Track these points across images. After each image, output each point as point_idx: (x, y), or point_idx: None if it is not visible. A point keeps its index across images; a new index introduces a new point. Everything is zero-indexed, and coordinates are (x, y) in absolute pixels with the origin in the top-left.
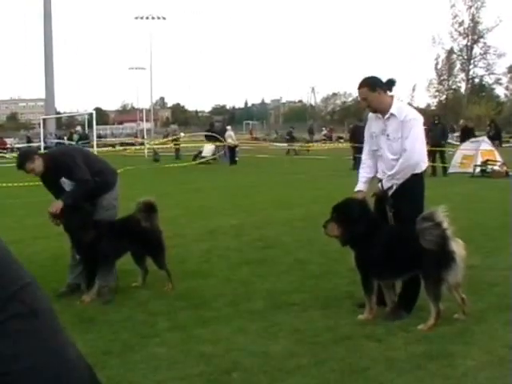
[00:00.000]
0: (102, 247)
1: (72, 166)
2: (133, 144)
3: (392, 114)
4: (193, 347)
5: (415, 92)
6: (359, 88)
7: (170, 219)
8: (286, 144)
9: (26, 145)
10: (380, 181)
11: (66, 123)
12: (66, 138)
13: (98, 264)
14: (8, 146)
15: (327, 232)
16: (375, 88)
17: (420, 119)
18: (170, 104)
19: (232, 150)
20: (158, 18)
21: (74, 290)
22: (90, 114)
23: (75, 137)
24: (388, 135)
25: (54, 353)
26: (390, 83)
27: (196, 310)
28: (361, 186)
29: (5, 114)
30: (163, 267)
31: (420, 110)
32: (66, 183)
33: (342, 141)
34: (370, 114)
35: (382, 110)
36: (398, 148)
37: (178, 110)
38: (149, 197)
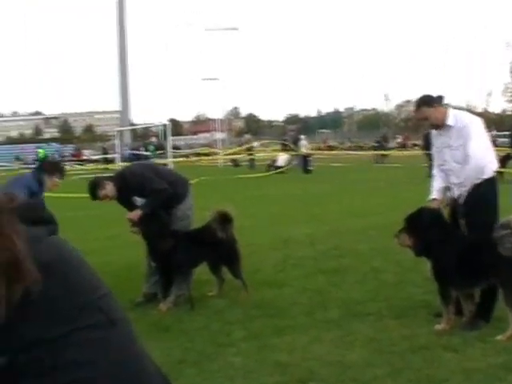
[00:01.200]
0: (178, 256)
1: (144, 183)
2: (207, 154)
3: (449, 125)
4: (268, 356)
5: (491, 97)
6: (417, 108)
7: (244, 228)
8: (372, 152)
9: (101, 156)
10: (450, 190)
11: (141, 134)
12: (142, 149)
13: (173, 273)
14: (84, 157)
15: (399, 242)
16: (432, 104)
17: (476, 121)
18: (243, 114)
19: (305, 159)
20: (230, 29)
21: (151, 299)
22: (165, 125)
23: (151, 148)
24: (450, 146)
25: (130, 362)
26: (440, 98)
27: (271, 319)
28: (435, 194)
29: (81, 127)
30: (239, 276)
31: (495, 116)
32: (139, 201)
33: (416, 148)
34: (433, 132)
35: (441, 123)
36: (461, 156)
37: (251, 119)
38: (224, 206)
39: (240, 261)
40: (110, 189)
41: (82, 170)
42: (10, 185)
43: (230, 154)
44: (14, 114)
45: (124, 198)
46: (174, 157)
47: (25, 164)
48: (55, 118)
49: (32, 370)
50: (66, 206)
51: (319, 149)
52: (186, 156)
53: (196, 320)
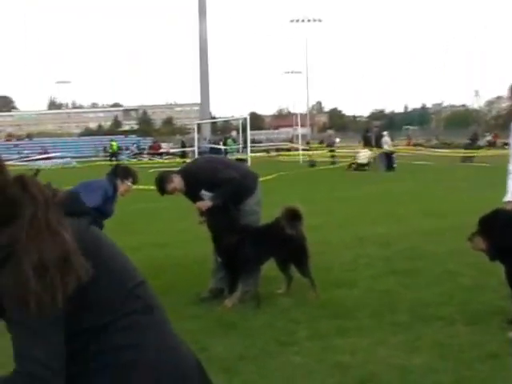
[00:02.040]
0: (245, 252)
1: (212, 174)
2: (288, 149)
3: None
4: (330, 357)
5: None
6: None
7: (317, 226)
8: (462, 150)
9: (180, 149)
10: None
11: (221, 128)
12: (221, 143)
13: (240, 269)
14: (162, 150)
15: (473, 246)
16: None
17: None
18: (326, 109)
19: (388, 156)
20: (314, 20)
21: (217, 294)
22: (245, 119)
23: (229, 141)
24: None
25: (168, 346)
26: None
27: (337, 320)
28: (510, 196)
29: (161, 119)
30: (307, 275)
31: None
32: (206, 196)
33: (506, 147)
34: None
35: None
36: None
37: (335, 114)
38: (294, 203)
39: (308, 259)
40: (178, 182)
41: (159, 162)
42: (87, 188)
43: (308, 150)
44: (94, 105)
45: (192, 191)
46: (253, 151)
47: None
48: (134, 109)
49: (79, 355)
50: (139, 197)
51: (407, 145)
52: (266, 151)
53: (260, 317)
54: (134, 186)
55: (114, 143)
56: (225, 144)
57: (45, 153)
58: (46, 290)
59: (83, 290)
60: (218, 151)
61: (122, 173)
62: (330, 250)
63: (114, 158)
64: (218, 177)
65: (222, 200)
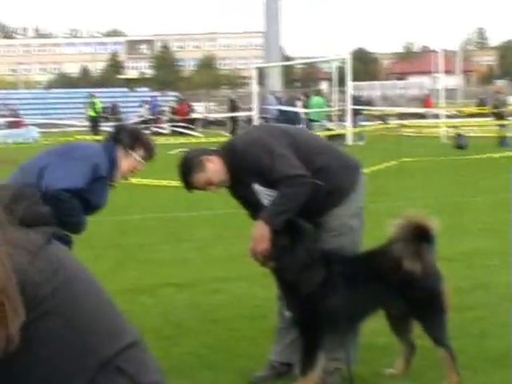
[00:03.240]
0: (333, 301)
1: (267, 162)
2: (421, 116)
3: None
4: None
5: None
6: None
7: (467, 254)
8: None
9: (226, 115)
10: None
11: (301, 77)
12: (299, 103)
13: (322, 329)
14: (195, 115)
15: None
16: None
17: None
18: (494, 41)
19: None
20: None
21: (281, 373)
22: (343, 61)
23: (315, 101)
24: None
25: None
26: None
27: None
28: None
29: (193, 59)
30: (441, 343)
31: None
32: (262, 193)
33: None
34: None
35: None
36: None
37: (509, 51)
38: (420, 214)
39: (444, 315)
40: (214, 169)
41: (187, 139)
42: (65, 156)
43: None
44: (73, 33)
45: (238, 186)
46: (358, 119)
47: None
48: (146, 41)
49: None
50: (154, 197)
51: None
52: (382, 119)
53: None
54: (149, 181)
55: (95, 101)
56: (306, 106)
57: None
58: None
59: (10, 361)
60: (295, 118)
61: (127, 138)
62: (492, 305)
63: (95, 128)
64: (275, 170)
65: (280, 218)
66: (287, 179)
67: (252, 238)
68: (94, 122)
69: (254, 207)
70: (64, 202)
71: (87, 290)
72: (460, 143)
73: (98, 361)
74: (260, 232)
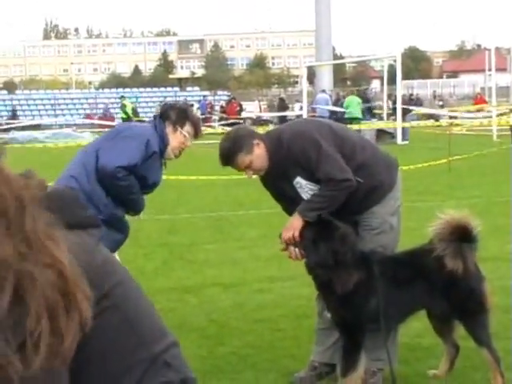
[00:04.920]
0: (373, 302)
1: (312, 156)
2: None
3: None
4: None
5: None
6: None
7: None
8: None
9: (275, 114)
10: None
11: (353, 76)
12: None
13: (363, 330)
14: (245, 113)
15: None
16: None
17: None
18: None
19: None
20: None
21: (321, 374)
22: (394, 59)
23: (351, 100)
24: None
25: None
26: None
27: None
28: None
29: (245, 59)
30: (484, 343)
31: None
32: (305, 187)
33: None
34: None
35: None
36: None
37: None
38: (464, 213)
39: (486, 314)
40: (258, 153)
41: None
42: (116, 136)
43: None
44: (125, 34)
45: (276, 179)
46: (408, 117)
47: None
48: (198, 41)
49: None
50: (202, 196)
51: None
52: (434, 118)
53: None
54: (194, 143)
55: (127, 103)
56: (342, 106)
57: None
58: (34, 342)
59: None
60: (343, 119)
61: (176, 115)
62: None
63: None
64: (320, 167)
65: (318, 212)
66: (331, 182)
67: (285, 228)
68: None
69: (288, 200)
70: (122, 180)
71: (136, 292)
72: None
73: (150, 355)
74: (292, 222)
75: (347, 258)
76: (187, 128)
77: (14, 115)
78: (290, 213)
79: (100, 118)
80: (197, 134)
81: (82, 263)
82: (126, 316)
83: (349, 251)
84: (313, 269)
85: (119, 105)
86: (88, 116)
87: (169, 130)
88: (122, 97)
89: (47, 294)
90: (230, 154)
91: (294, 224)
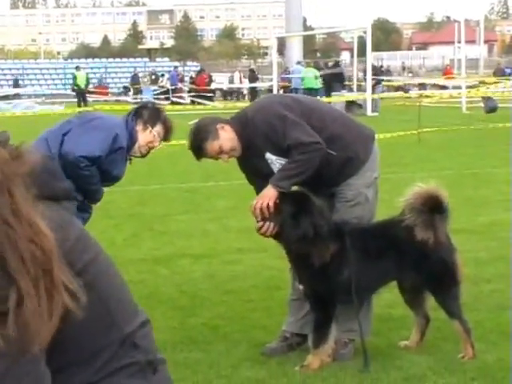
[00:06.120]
0: (346, 273)
1: (279, 128)
2: (443, 87)
3: None
4: None
5: None
6: None
7: (485, 226)
8: None
9: (246, 85)
10: None
11: (322, 47)
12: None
13: (335, 302)
14: (214, 85)
15: None
16: None
17: None
18: None
19: None
20: None
21: (292, 344)
22: (364, 32)
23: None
24: None
25: None
26: None
27: None
28: None
29: (214, 30)
30: (455, 315)
31: None
32: (275, 162)
33: None
34: None
35: None
36: None
37: None
38: (434, 184)
39: (457, 287)
40: (225, 136)
41: (206, 109)
42: (85, 124)
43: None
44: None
45: (248, 159)
46: (377, 89)
47: None
48: (167, 11)
49: None
50: (173, 167)
51: None
52: (403, 89)
53: None
54: (164, 144)
55: (78, 74)
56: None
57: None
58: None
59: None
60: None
61: (148, 114)
62: (510, 277)
63: (82, 100)
64: (287, 135)
65: (291, 182)
66: (300, 146)
67: (256, 200)
68: (80, 95)
69: (263, 179)
70: (84, 170)
71: (109, 269)
72: (490, 106)
73: (121, 336)
74: (266, 191)
75: (325, 231)
76: (158, 128)
77: None
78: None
79: (96, 88)
80: (167, 136)
81: (57, 240)
82: (100, 295)
83: (326, 224)
84: (292, 242)
85: (93, 74)
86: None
87: (139, 127)
88: (77, 67)
89: (31, 270)
90: (197, 145)
91: (269, 193)
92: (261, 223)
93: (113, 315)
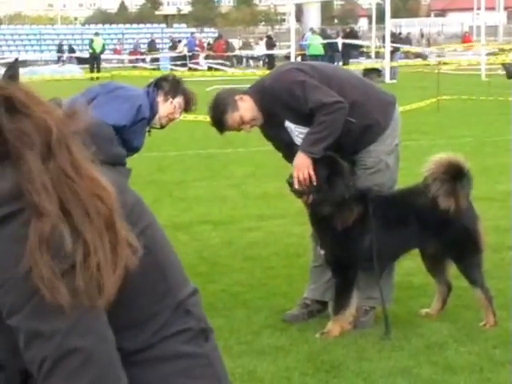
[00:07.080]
0: (368, 240)
1: (301, 92)
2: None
3: None
4: None
5: None
6: None
7: (505, 194)
8: None
9: (263, 53)
10: None
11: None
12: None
13: (356, 268)
14: (230, 52)
15: None
16: None
17: None
18: None
19: None
20: None
21: (313, 311)
22: None
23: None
24: None
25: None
26: None
27: None
28: None
29: None
30: (477, 283)
31: None
32: (294, 131)
33: None
34: None
35: None
36: None
37: None
38: (457, 154)
39: (480, 253)
40: (245, 107)
41: (225, 75)
42: (109, 94)
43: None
44: None
45: (270, 125)
46: (396, 56)
47: None
48: None
49: None
50: (190, 133)
51: None
52: (421, 56)
53: (391, 358)
54: (184, 116)
55: (96, 39)
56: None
57: None
58: (84, 276)
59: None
60: (333, 55)
61: (169, 86)
62: None
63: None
64: (309, 99)
65: (322, 146)
66: (324, 107)
67: (293, 167)
68: (95, 61)
69: (286, 147)
70: None
71: (163, 237)
72: (511, 70)
73: (174, 303)
74: (300, 161)
75: (350, 195)
76: (178, 99)
77: None
78: (290, 160)
79: (131, 53)
80: (187, 107)
81: (118, 202)
82: (156, 260)
83: (352, 188)
84: (320, 205)
85: (110, 40)
86: (116, 51)
87: (160, 99)
88: (96, 33)
89: (96, 223)
90: (218, 119)
91: (305, 163)
92: (305, 197)
93: (168, 280)
